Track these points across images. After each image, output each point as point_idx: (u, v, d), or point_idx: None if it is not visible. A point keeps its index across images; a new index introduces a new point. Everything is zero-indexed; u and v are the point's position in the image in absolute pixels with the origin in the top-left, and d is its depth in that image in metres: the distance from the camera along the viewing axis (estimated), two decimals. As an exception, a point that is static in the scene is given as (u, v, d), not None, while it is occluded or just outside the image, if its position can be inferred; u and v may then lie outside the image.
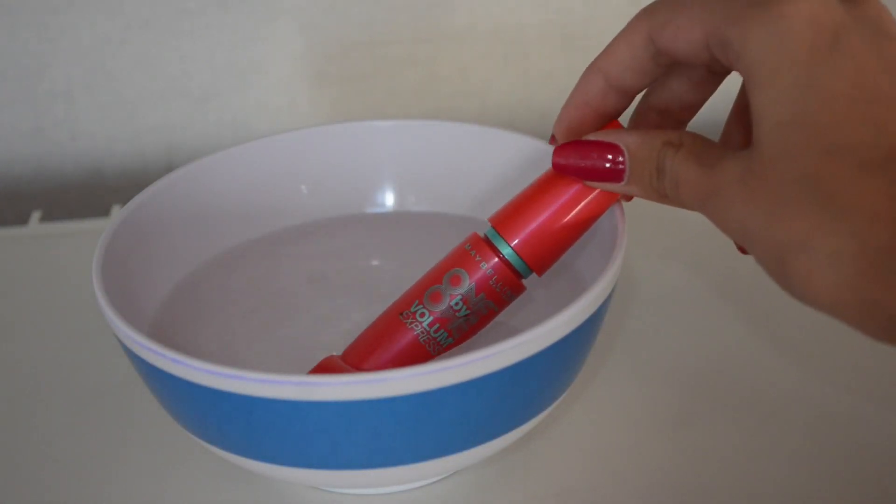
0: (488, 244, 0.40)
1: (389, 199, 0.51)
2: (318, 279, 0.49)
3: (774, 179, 0.31)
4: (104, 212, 0.65)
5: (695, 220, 0.59)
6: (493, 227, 0.40)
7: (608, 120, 0.39)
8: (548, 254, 0.40)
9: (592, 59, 0.38)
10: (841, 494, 0.41)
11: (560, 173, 0.38)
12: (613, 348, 0.49)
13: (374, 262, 0.50)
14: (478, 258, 0.40)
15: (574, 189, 0.38)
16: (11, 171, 0.68)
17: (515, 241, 0.39)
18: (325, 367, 0.42)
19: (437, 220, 0.50)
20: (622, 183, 0.36)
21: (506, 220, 0.40)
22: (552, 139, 0.40)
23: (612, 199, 0.39)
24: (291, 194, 0.49)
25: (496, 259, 0.39)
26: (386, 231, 0.50)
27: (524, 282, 0.40)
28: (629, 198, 0.40)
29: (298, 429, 0.35)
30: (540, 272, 0.40)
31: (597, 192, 0.38)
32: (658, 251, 0.56)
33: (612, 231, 0.41)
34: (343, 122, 0.50)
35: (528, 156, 0.48)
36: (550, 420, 0.44)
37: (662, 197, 0.36)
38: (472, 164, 0.49)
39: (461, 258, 0.40)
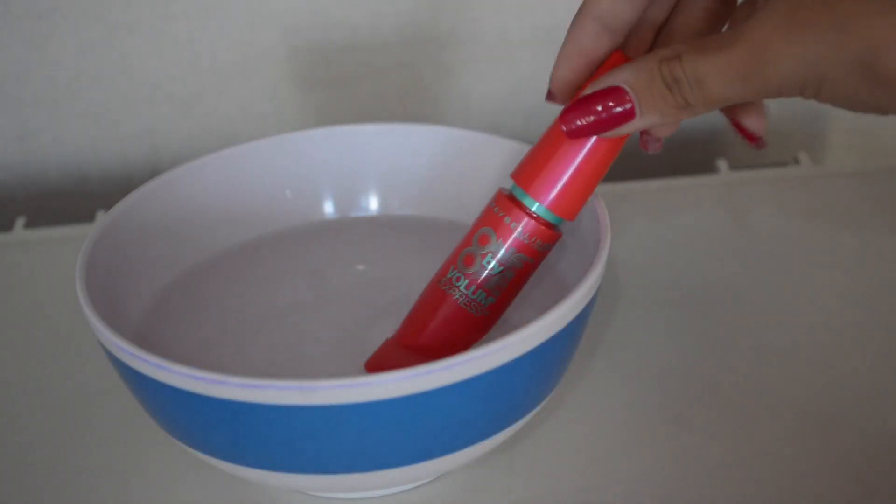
0: (514, 202, 0.39)
1: (373, 203, 0.51)
2: (302, 283, 0.49)
3: None
4: (88, 217, 0.65)
5: (679, 220, 0.59)
6: (516, 183, 0.39)
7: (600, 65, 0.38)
8: (576, 200, 0.39)
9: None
10: (829, 495, 0.42)
11: (573, 139, 0.37)
12: (598, 350, 0.49)
13: (359, 267, 0.50)
14: (506, 219, 0.39)
15: None
16: (-5, 178, 0.68)
17: (543, 197, 0.39)
18: (383, 355, 0.42)
19: (421, 223, 0.50)
20: (637, 119, 0.35)
21: (529, 174, 0.39)
22: (549, 95, 0.39)
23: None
24: (276, 199, 0.49)
25: (525, 218, 0.39)
26: (370, 235, 0.50)
27: (557, 228, 0.40)
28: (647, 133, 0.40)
29: (283, 434, 0.35)
30: (571, 218, 0.40)
31: None
32: (642, 251, 0.56)
33: (595, 232, 0.41)
34: (327, 127, 0.50)
35: (513, 159, 0.48)
36: (537, 422, 0.45)
37: (682, 108, 0.35)
38: (456, 168, 0.49)
39: (489, 218, 0.40)
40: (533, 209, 0.39)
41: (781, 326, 0.50)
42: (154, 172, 0.68)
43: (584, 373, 0.48)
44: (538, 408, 0.40)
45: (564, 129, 0.37)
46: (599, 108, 0.36)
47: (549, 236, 0.39)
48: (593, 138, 0.37)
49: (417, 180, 0.50)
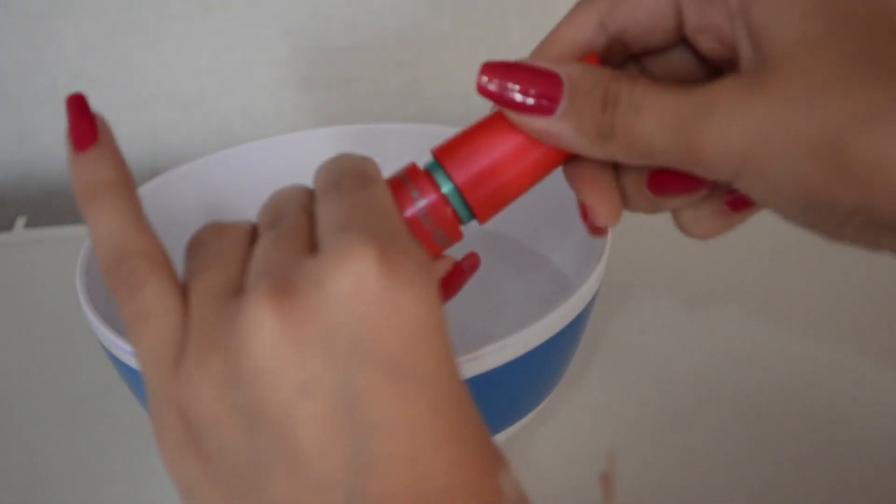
0: (428, 177, 0.33)
1: (374, 203, 0.51)
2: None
3: (811, 67, 0.26)
4: (89, 217, 0.64)
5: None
6: (436, 158, 0.33)
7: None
8: (495, 198, 0.33)
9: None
10: (829, 495, 0.42)
11: (481, 94, 0.31)
12: (599, 349, 0.49)
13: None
14: (414, 193, 0.33)
15: None
16: (-4, 178, 0.68)
17: (460, 178, 0.32)
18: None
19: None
20: (553, 117, 0.30)
21: (452, 152, 0.33)
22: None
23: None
24: (276, 199, 0.49)
25: (434, 195, 0.32)
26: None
27: (463, 229, 0.33)
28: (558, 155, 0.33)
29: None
30: (483, 219, 0.33)
31: None
32: (643, 252, 0.56)
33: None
34: (328, 127, 0.50)
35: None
36: (537, 422, 0.44)
37: (603, 137, 0.30)
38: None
39: (393, 188, 0.33)
40: (444, 189, 0.32)
41: (782, 326, 0.50)
42: (155, 172, 0.68)
43: (584, 373, 0.48)
44: (538, 408, 0.40)
45: (483, 79, 0.31)
46: (526, 83, 0.31)
47: (452, 229, 0.33)
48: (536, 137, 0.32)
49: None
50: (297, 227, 0.28)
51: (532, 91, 0.31)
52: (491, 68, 0.31)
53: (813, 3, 0.27)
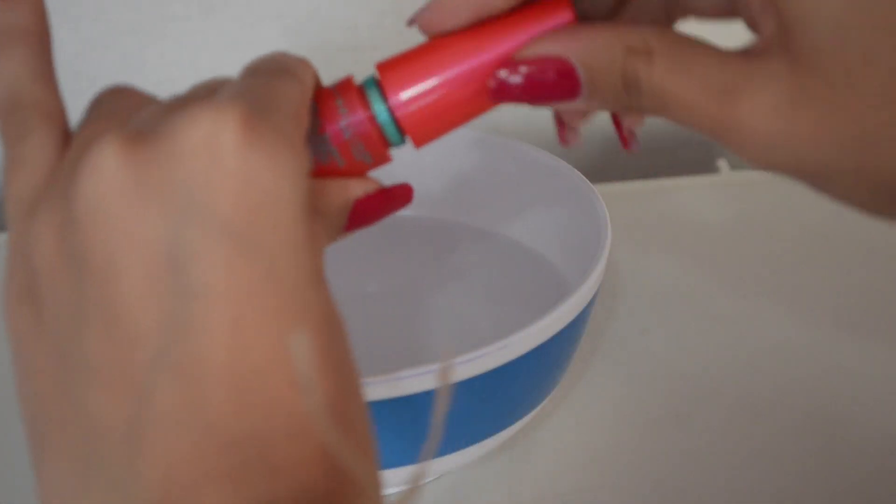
0: (359, 93, 0.30)
1: (374, 203, 0.50)
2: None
3: (854, 76, 0.25)
4: (89, 217, 0.64)
5: (679, 220, 0.59)
6: (377, 74, 0.31)
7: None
8: (433, 125, 0.30)
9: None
10: (829, 495, 0.42)
11: (497, 99, 0.30)
12: (598, 350, 0.49)
13: (362, 268, 0.50)
14: (339, 102, 0.30)
15: (493, 52, 0.29)
16: (-4, 178, 0.68)
17: (395, 100, 0.30)
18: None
19: (424, 224, 0.50)
20: (580, 98, 0.28)
21: (394, 69, 0.30)
22: (421, 23, 0.31)
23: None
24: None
25: (360, 113, 0.30)
26: (372, 236, 0.50)
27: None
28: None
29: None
30: (418, 144, 0.31)
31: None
32: (642, 251, 0.56)
33: (596, 232, 0.41)
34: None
35: (514, 159, 0.48)
36: (537, 422, 0.44)
37: (630, 109, 0.28)
38: (458, 168, 0.49)
39: (321, 97, 0.31)
40: (375, 108, 0.30)
41: (782, 326, 0.50)
42: (154, 172, 0.68)
43: (584, 373, 0.48)
44: (538, 408, 0.40)
45: (491, 85, 0.29)
46: (539, 80, 0.29)
47: (376, 149, 0.30)
48: (494, 53, 0.29)
49: (420, 180, 0.50)
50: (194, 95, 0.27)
51: (550, 93, 0.29)
52: (504, 83, 0.29)
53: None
